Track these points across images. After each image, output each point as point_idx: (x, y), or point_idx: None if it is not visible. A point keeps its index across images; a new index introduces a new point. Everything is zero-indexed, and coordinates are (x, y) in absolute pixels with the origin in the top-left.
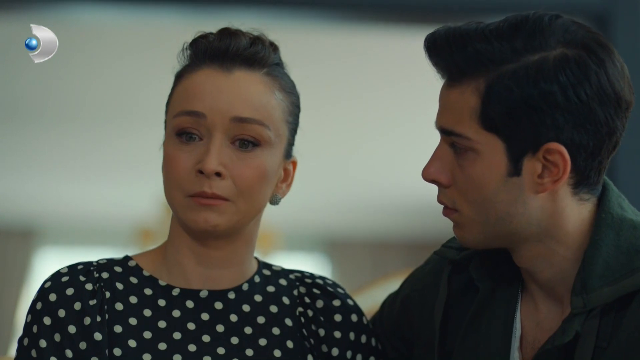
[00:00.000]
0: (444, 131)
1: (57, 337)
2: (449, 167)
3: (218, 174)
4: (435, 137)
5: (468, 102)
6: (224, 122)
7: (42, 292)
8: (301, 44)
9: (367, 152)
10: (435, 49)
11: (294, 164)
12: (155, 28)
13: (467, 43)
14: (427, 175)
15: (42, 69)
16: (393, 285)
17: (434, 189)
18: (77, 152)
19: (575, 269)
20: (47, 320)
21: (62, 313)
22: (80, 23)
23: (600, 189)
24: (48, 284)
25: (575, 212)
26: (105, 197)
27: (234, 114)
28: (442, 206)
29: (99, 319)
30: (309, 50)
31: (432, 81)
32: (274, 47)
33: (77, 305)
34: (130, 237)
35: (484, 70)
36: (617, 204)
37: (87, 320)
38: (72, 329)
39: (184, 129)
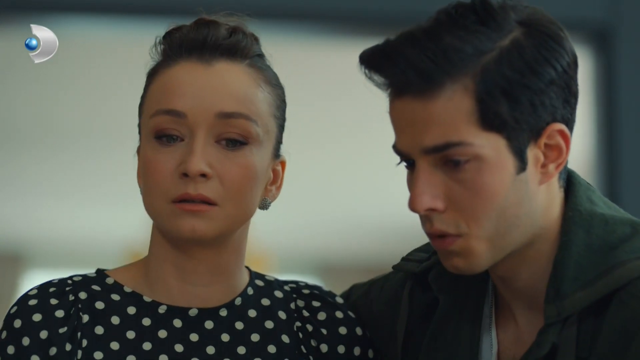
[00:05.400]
0: (435, 149)
1: None
2: (441, 189)
3: (203, 175)
4: None
5: (460, 107)
6: (207, 120)
7: (7, 319)
8: (283, 62)
9: (360, 175)
10: (389, 59)
11: (283, 164)
12: (137, 43)
13: (437, 43)
14: (422, 205)
15: (25, 88)
16: None
17: None
18: (64, 173)
19: (548, 273)
20: (10, 350)
21: (26, 341)
22: (61, 40)
23: (566, 177)
24: (14, 310)
25: (559, 202)
26: (94, 219)
27: (218, 110)
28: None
29: (68, 347)
30: (293, 68)
31: None
32: (254, 38)
33: (44, 334)
34: (120, 259)
35: (464, 67)
36: (585, 198)
37: (53, 351)
38: (35, 359)
39: (162, 130)
